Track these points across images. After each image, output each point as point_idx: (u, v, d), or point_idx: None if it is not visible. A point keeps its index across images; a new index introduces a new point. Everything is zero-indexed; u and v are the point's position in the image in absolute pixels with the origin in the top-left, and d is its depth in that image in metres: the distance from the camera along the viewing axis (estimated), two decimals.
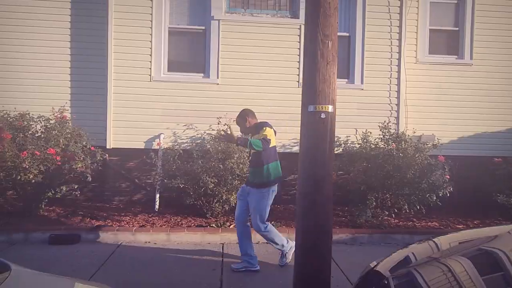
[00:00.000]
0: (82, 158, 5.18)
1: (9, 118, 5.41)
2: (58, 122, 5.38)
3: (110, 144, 6.12)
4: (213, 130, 6.16)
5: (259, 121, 4.28)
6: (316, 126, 2.80)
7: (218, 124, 5.95)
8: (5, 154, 4.58)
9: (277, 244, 4.14)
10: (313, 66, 2.81)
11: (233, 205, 5.21)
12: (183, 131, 6.23)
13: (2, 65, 6.14)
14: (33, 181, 4.71)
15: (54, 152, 4.78)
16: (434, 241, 2.57)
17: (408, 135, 5.87)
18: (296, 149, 6.43)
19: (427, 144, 5.83)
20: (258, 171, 3.97)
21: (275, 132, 4.14)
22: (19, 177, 4.69)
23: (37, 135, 5.25)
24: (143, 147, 6.22)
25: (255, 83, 6.28)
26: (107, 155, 5.97)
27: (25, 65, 6.15)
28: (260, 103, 6.25)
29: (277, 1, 6.37)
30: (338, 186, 6.60)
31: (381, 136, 5.90)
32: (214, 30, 6.20)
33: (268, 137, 3.93)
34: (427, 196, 5.10)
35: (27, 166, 4.57)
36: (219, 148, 5.29)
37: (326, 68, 2.81)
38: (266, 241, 4.23)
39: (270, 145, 3.97)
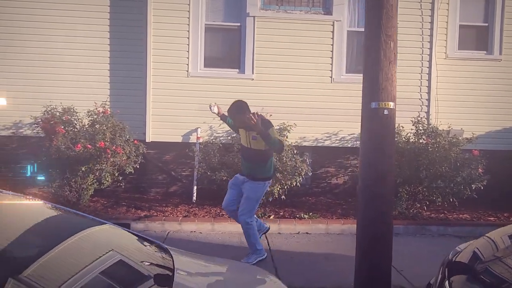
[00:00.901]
0: (128, 151, 5.39)
1: (57, 113, 5.64)
2: (103, 116, 5.58)
3: (149, 137, 6.34)
4: None
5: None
6: (379, 121, 2.96)
7: None
8: (59, 147, 4.80)
9: (252, 242, 4.05)
10: (375, 65, 2.97)
11: (276, 197, 5.41)
12: (219, 125, 6.42)
13: (49, 61, 6.35)
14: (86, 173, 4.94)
15: (103, 145, 5.00)
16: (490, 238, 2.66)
17: (442, 130, 6.00)
18: (328, 143, 6.62)
19: (459, 138, 5.97)
20: (262, 165, 3.98)
21: None
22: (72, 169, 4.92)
23: (83, 129, 5.46)
24: (180, 141, 6.43)
25: (289, 78, 6.43)
26: (145, 148, 6.19)
27: (68, 61, 6.36)
28: (294, 98, 6.43)
29: None
30: None
31: (414, 131, 6.03)
32: (250, 26, 6.35)
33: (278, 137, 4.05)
34: (461, 189, 5.24)
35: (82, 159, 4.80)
36: None
37: (389, 67, 2.97)
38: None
39: None
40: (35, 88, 6.37)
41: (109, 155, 5.11)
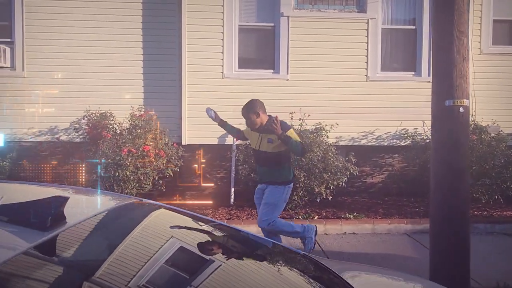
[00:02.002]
0: (169, 154, 5.38)
1: (96, 118, 5.64)
2: (144, 120, 5.58)
3: (185, 140, 6.32)
4: None
5: (266, 118, 3.85)
6: (454, 119, 2.91)
7: (291, 119, 6.09)
8: (106, 152, 4.80)
9: (291, 231, 3.81)
10: (448, 62, 2.92)
11: (324, 197, 5.37)
12: None
13: (87, 66, 6.37)
14: (131, 177, 4.93)
15: (148, 149, 4.99)
16: None
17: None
18: (364, 142, 6.57)
19: (496, 133, 5.91)
20: (279, 169, 3.73)
21: None
22: (117, 174, 4.91)
23: (125, 133, 5.46)
24: (216, 143, 6.41)
25: (324, 77, 6.39)
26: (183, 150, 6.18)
27: (104, 66, 6.38)
28: (329, 98, 6.39)
29: None
30: (401, 178, 6.74)
31: None
32: (284, 26, 6.32)
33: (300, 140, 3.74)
34: (510, 185, 5.18)
35: (128, 163, 4.79)
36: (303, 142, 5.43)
37: (463, 64, 2.92)
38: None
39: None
40: (73, 93, 6.38)
41: (153, 159, 5.10)
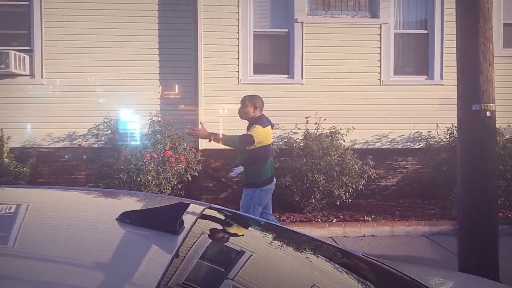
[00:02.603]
0: (189, 159, 5.47)
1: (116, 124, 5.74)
2: (163, 125, 5.67)
3: (202, 145, 6.41)
4: (299, 129, 6.41)
5: (258, 115, 4.03)
6: (481, 123, 2.99)
7: (307, 123, 6.18)
8: (129, 158, 4.89)
9: None
10: (474, 68, 3.01)
11: (344, 200, 5.45)
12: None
13: (104, 73, 6.49)
14: (153, 182, 5.03)
15: (169, 154, 5.08)
16: None
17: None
18: (378, 145, 6.64)
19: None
20: (251, 169, 3.79)
21: (273, 126, 4.02)
22: (139, 179, 5.00)
23: (145, 138, 5.56)
24: (232, 148, 6.47)
25: (338, 82, 6.48)
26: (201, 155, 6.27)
27: (121, 72, 6.48)
28: (343, 102, 6.48)
29: (357, 2, 6.55)
30: (415, 180, 6.82)
31: None
32: (298, 32, 6.42)
33: (253, 136, 3.70)
34: None
35: (151, 169, 4.89)
36: (320, 146, 5.51)
37: (488, 70, 3.00)
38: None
39: (260, 145, 3.77)
40: (90, 100, 6.48)
41: (173, 164, 5.19)
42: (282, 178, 5.43)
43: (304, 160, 5.33)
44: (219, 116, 6.43)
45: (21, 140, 6.45)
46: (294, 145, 6.23)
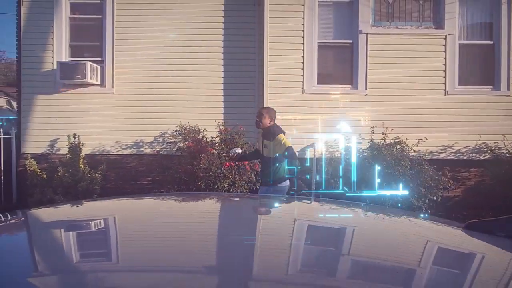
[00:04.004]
0: (257, 167, 5.57)
1: (186, 132, 5.92)
2: (230, 134, 5.81)
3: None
4: (362, 138, 6.44)
5: (272, 124, 4.47)
6: None
7: (373, 133, 6.21)
8: (211, 166, 5.04)
9: None
10: None
11: (424, 210, 5.43)
12: (334, 140, 6.54)
13: (170, 83, 6.71)
14: (230, 189, 5.15)
15: (247, 162, 5.20)
16: None
17: None
18: (443, 155, 6.58)
19: None
20: (272, 172, 4.25)
21: (284, 133, 4.45)
22: (216, 186, 5.13)
23: (217, 147, 5.70)
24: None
25: (402, 92, 6.50)
26: None
27: (186, 82, 6.70)
28: (407, 112, 6.48)
29: (421, 13, 6.59)
30: (479, 191, 6.70)
31: None
32: (362, 43, 6.50)
33: (292, 147, 4.21)
34: None
35: (230, 176, 5.01)
36: (394, 156, 5.52)
37: None
38: None
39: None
40: (157, 109, 6.71)
41: (248, 172, 5.30)
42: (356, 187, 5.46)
43: (379, 169, 5.34)
44: (283, 126, 6.49)
45: (91, 147, 6.71)
46: (359, 155, 6.25)
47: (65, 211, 1.72)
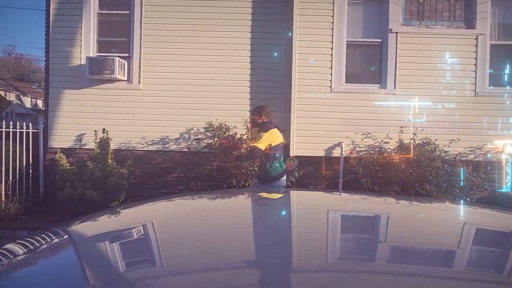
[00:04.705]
0: (292, 165, 5.56)
1: (215, 129, 5.92)
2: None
3: (293, 152, 6.49)
4: (390, 138, 6.39)
5: (265, 121, 4.40)
6: None
7: (402, 133, 6.17)
8: (243, 164, 5.03)
9: None
10: None
11: None
12: (361, 140, 6.50)
13: (196, 79, 6.71)
14: None
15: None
16: None
17: None
18: (471, 157, 6.51)
19: None
20: (261, 168, 4.30)
21: (279, 128, 4.44)
22: (247, 183, 5.12)
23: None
24: (323, 155, 6.54)
25: (431, 92, 6.44)
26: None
27: (213, 79, 6.69)
28: (436, 112, 6.42)
29: (452, 13, 6.52)
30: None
31: None
32: (392, 42, 6.44)
33: (257, 147, 4.16)
34: None
35: None
36: (427, 156, 5.48)
37: None
38: None
39: (268, 146, 4.17)
40: (183, 105, 6.71)
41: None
42: (388, 187, 5.43)
43: (411, 170, 5.31)
44: (310, 124, 6.51)
45: (117, 142, 6.73)
46: (385, 154, 6.21)
47: (111, 221, 1.63)
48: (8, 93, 31.71)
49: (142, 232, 1.41)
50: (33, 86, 41.54)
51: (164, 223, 1.50)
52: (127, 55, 6.87)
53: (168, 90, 6.78)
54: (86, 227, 1.50)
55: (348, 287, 0.90)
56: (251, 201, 1.92)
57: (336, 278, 0.95)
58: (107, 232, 1.44)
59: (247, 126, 6.14)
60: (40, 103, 39.41)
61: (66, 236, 1.39)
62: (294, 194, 2.27)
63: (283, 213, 1.70)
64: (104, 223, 1.60)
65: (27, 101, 37.61)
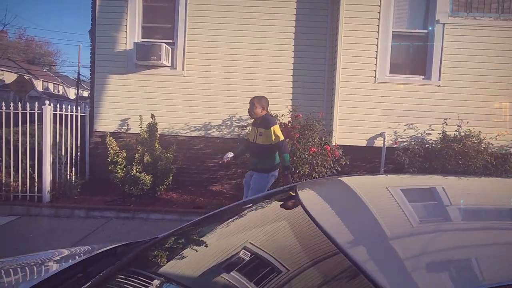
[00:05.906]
0: (337, 154, 5.64)
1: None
2: (313, 119, 5.87)
3: (335, 141, 6.56)
4: (433, 130, 6.42)
5: (265, 113, 4.37)
6: None
7: (446, 125, 6.19)
8: (296, 150, 5.13)
9: None
10: None
11: None
12: (404, 131, 6.54)
13: (240, 67, 6.78)
14: (313, 174, 5.24)
15: (329, 149, 5.27)
16: None
17: None
18: None
19: None
20: (266, 158, 4.25)
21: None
22: (298, 170, 5.23)
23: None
24: (364, 145, 6.61)
25: (477, 85, 6.42)
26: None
27: (255, 67, 6.75)
28: (481, 105, 6.42)
29: (500, 4, 6.45)
30: None
31: None
32: (438, 33, 6.42)
33: (284, 140, 4.21)
34: None
35: (315, 161, 5.10)
36: (475, 148, 5.52)
37: None
38: None
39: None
40: (226, 92, 6.82)
41: (329, 158, 5.38)
42: None
43: (460, 162, 5.35)
44: (353, 114, 6.56)
45: (162, 127, 6.86)
46: (428, 146, 6.25)
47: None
48: (30, 77, 32.01)
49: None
50: (44, 70, 41.86)
51: None
52: (171, 41, 6.96)
53: (211, 77, 6.87)
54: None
55: None
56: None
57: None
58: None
59: (293, 115, 6.23)
60: (51, 86, 39.79)
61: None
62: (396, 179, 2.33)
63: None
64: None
65: (39, 85, 37.91)
